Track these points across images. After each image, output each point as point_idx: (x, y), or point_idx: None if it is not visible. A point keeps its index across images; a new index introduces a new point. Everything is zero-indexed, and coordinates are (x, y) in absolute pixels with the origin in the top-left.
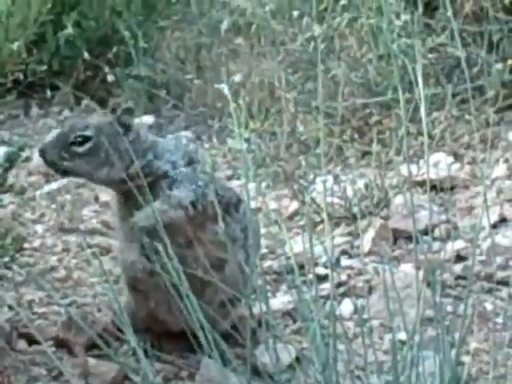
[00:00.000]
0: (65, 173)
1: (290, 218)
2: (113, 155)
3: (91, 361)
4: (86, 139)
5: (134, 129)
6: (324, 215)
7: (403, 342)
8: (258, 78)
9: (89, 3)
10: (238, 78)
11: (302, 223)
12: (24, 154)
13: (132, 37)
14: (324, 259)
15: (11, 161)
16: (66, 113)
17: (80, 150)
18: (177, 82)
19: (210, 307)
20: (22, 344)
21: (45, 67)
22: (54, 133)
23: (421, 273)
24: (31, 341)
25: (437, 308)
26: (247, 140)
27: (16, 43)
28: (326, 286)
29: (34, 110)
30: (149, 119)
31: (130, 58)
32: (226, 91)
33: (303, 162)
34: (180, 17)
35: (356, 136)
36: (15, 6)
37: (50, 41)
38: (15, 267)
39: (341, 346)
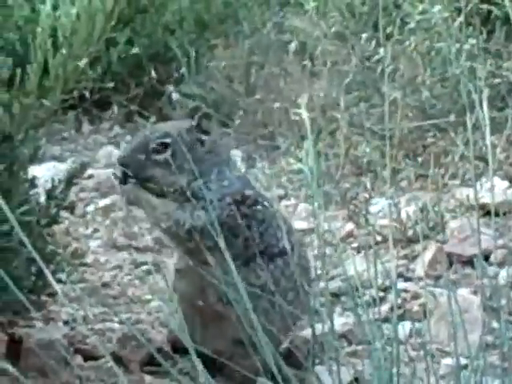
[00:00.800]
0: (144, 181)
1: (344, 239)
2: (184, 164)
3: (147, 377)
4: (166, 146)
5: (212, 137)
6: (380, 237)
7: (462, 368)
8: (311, 98)
9: (142, 21)
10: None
11: (355, 245)
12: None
13: (184, 54)
14: (380, 281)
15: (72, 178)
16: (117, 129)
17: (159, 157)
18: (227, 101)
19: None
20: (78, 359)
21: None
22: (133, 141)
23: (478, 297)
24: (87, 356)
25: (496, 333)
26: (300, 160)
27: (83, 60)
28: (382, 309)
29: (85, 127)
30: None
31: (182, 75)
32: (305, 115)
33: (358, 184)
34: (232, 35)
35: (410, 159)
36: (79, 23)
37: (102, 57)
38: (70, 283)
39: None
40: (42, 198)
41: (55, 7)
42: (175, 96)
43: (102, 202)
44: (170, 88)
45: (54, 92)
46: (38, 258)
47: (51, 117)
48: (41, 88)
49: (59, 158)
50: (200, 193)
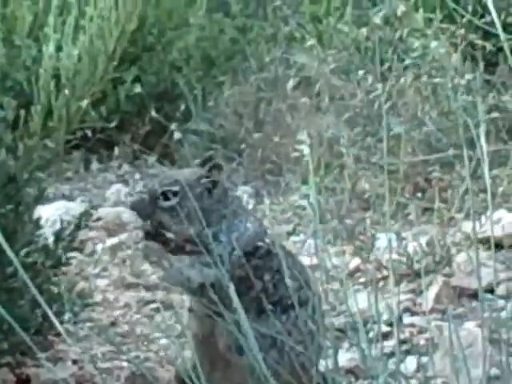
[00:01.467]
0: (158, 227)
1: (351, 274)
2: (193, 213)
3: None
4: (174, 194)
5: (221, 186)
6: (387, 272)
7: None
8: (318, 133)
9: (149, 58)
10: (304, 136)
11: (363, 280)
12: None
13: (191, 92)
14: (386, 316)
15: (82, 221)
16: (126, 167)
17: (165, 204)
18: (235, 137)
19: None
20: None
21: (110, 123)
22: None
23: (485, 331)
24: None
25: (502, 366)
26: (307, 196)
27: (85, 101)
28: (389, 344)
29: (94, 165)
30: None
31: (189, 112)
32: (306, 151)
33: (364, 218)
34: (239, 71)
35: (417, 193)
36: (81, 64)
37: (109, 96)
38: (77, 323)
39: None
40: (50, 240)
41: (58, 48)
42: (177, 135)
43: (110, 241)
44: (173, 126)
45: (58, 132)
46: (41, 300)
47: (56, 157)
48: (45, 129)
49: (68, 197)
50: (209, 244)
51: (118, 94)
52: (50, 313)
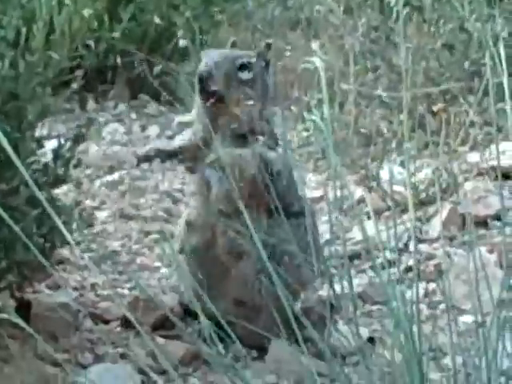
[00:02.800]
0: (221, 101)
1: (356, 205)
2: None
3: (159, 340)
4: (249, 67)
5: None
6: (391, 202)
7: (479, 324)
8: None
9: None
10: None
11: (367, 210)
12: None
13: (188, 31)
14: (392, 244)
15: (79, 136)
16: (122, 107)
17: (245, 76)
18: None
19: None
20: (88, 323)
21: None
22: (209, 58)
23: (495, 255)
24: (97, 320)
25: None
26: (308, 130)
27: (87, 10)
28: (396, 271)
29: (90, 104)
30: None
31: (187, 52)
32: (318, 64)
33: (368, 152)
34: (236, 11)
35: (419, 127)
36: None
37: (105, 34)
38: (78, 252)
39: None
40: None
41: None
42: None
43: (109, 178)
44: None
45: (61, 48)
46: (51, 211)
47: (58, 76)
48: (47, 45)
49: (64, 136)
50: (266, 127)
51: (115, 33)
52: (60, 224)
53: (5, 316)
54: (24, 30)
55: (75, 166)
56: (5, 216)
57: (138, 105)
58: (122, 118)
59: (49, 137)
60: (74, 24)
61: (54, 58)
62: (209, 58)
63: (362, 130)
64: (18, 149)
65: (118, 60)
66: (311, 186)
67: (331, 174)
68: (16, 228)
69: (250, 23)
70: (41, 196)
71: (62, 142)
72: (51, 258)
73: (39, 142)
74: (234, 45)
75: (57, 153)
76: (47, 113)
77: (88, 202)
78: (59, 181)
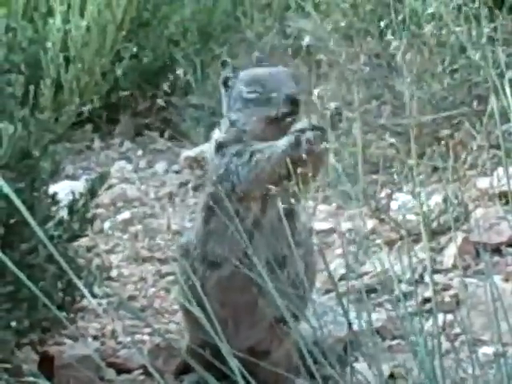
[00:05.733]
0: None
1: (367, 237)
2: None
3: None
4: None
5: None
6: (403, 232)
7: (500, 355)
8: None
9: (145, 34)
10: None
11: (379, 241)
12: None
13: (189, 65)
14: (407, 276)
15: (94, 190)
16: (127, 144)
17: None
18: None
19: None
20: (110, 373)
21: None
22: (288, 80)
23: (510, 284)
24: (120, 370)
25: None
26: None
27: (97, 69)
28: (413, 303)
29: (96, 143)
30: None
31: (189, 87)
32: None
33: (376, 180)
34: (236, 43)
35: (426, 153)
36: (90, 35)
37: (108, 73)
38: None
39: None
40: (65, 214)
41: (65, 21)
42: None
43: (120, 217)
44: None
45: (70, 105)
46: (68, 269)
47: (68, 131)
48: (55, 103)
49: (72, 177)
50: None
51: (116, 72)
52: (77, 281)
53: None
54: (32, 87)
55: (90, 222)
56: (23, 277)
57: (143, 141)
58: (128, 156)
59: (59, 179)
60: (82, 81)
61: (63, 114)
62: (288, 80)
63: (368, 159)
64: (34, 207)
65: (121, 98)
66: (320, 217)
67: (343, 203)
68: (35, 288)
69: (249, 52)
70: (58, 256)
71: (76, 196)
72: (71, 310)
73: (53, 199)
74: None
75: (72, 209)
76: (59, 169)
77: (101, 246)
78: (75, 237)
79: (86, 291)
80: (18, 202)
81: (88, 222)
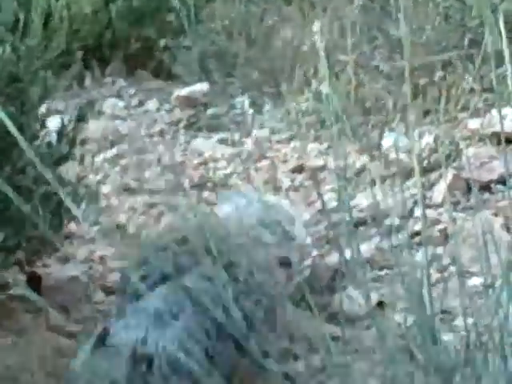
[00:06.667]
0: None
1: (357, 174)
2: None
3: None
4: None
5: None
6: (394, 169)
7: (487, 287)
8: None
9: None
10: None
11: (369, 179)
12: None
13: (183, 7)
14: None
15: (83, 114)
16: (120, 83)
17: None
18: (228, 52)
19: None
20: (99, 295)
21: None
22: None
23: (499, 219)
24: (108, 292)
25: None
26: (308, 100)
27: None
28: (402, 236)
29: (88, 81)
30: (203, 86)
31: (182, 28)
32: (319, 43)
33: (368, 120)
34: None
35: (418, 95)
36: None
37: (100, 13)
38: (85, 225)
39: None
40: (53, 140)
41: None
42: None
43: (111, 152)
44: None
45: (60, 33)
46: (58, 188)
47: (58, 58)
48: (46, 31)
49: (63, 113)
50: None
51: (110, 12)
52: (68, 202)
53: (17, 290)
54: (22, 16)
55: (81, 144)
56: (13, 195)
57: (135, 81)
58: (120, 94)
59: (49, 114)
60: (73, 10)
61: (53, 41)
62: None
63: (362, 100)
64: (23, 130)
65: (114, 39)
66: (312, 155)
67: (333, 143)
68: (24, 205)
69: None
70: (48, 175)
71: (65, 121)
72: (59, 233)
73: (43, 122)
74: None
75: (61, 133)
76: (49, 94)
77: (91, 177)
78: (63, 159)
79: (75, 209)
80: (8, 123)
81: (76, 145)
